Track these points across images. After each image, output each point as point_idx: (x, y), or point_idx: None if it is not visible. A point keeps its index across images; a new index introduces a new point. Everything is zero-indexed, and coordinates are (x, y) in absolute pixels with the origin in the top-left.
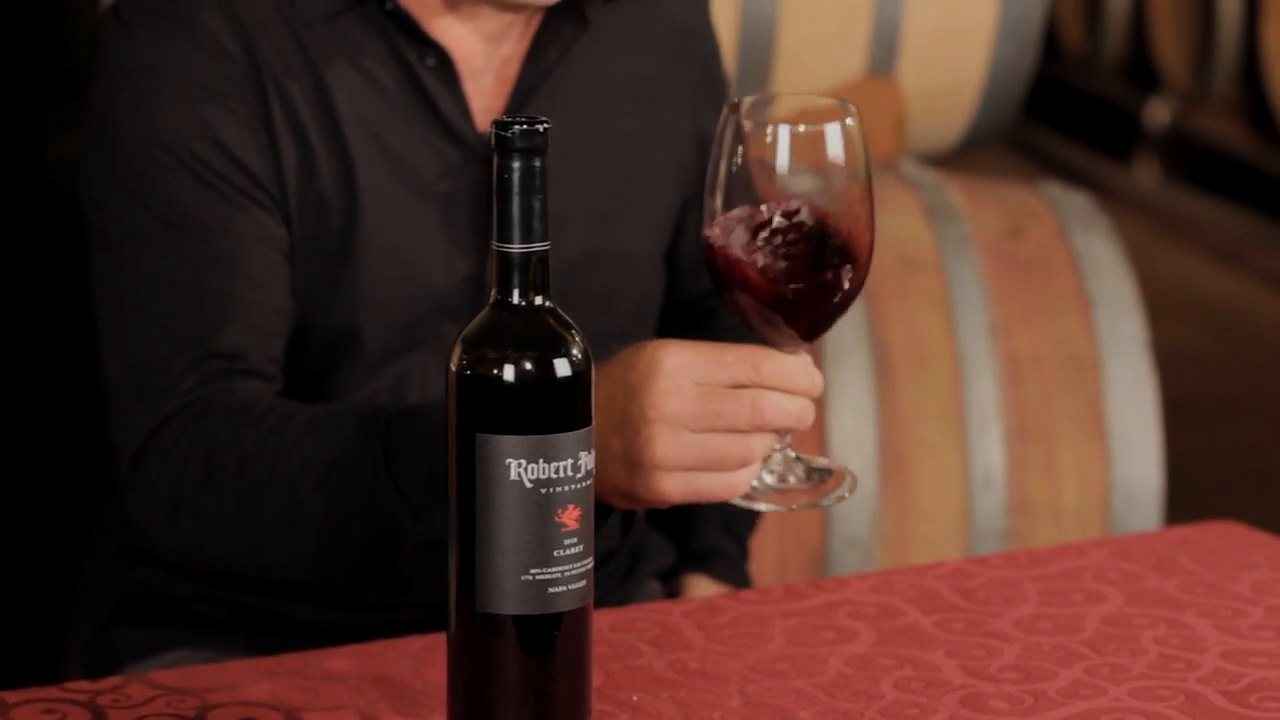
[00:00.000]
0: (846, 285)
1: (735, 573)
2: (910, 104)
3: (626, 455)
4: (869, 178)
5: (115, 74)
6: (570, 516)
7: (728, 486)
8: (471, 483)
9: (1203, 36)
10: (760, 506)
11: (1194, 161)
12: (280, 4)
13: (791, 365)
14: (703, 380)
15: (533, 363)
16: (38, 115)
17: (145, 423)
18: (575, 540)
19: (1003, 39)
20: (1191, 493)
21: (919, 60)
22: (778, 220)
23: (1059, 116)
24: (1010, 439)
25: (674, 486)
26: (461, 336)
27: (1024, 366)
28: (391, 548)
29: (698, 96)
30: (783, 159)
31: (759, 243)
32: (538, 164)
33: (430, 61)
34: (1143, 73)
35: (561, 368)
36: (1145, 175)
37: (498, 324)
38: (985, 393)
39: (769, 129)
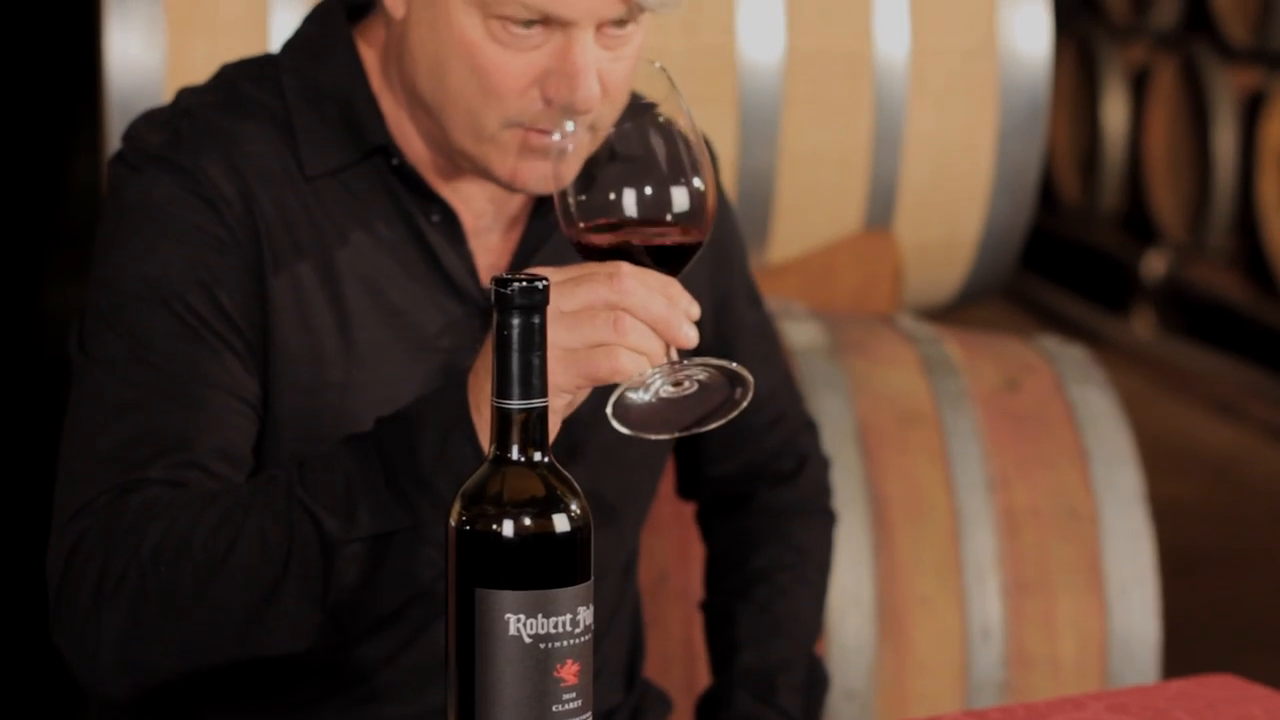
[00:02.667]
0: (694, 238)
1: None
2: (907, 258)
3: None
4: (697, 136)
5: (114, 215)
6: (569, 671)
7: (611, 366)
8: (471, 638)
9: (1199, 189)
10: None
11: (1191, 313)
12: (285, 157)
13: (649, 277)
14: (559, 309)
15: (531, 519)
16: (38, 268)
17: (65, 546)
18: (574, 695)
19: (999, 194)
20: (1189, 645)
21: (916, 214)
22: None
23: (1056, 269)
24: (1008, 592)
25: (560, 370)
26: (461, 492)
27: (1021, 519)
28: (326, 569)
29: (708, 255)
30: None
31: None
32: (536, 321)
33: (435, 218)
34: (1139, 225)
35: (560, 523)
36: (1142, 327)
37: (497, 480)
38: (983, 545)
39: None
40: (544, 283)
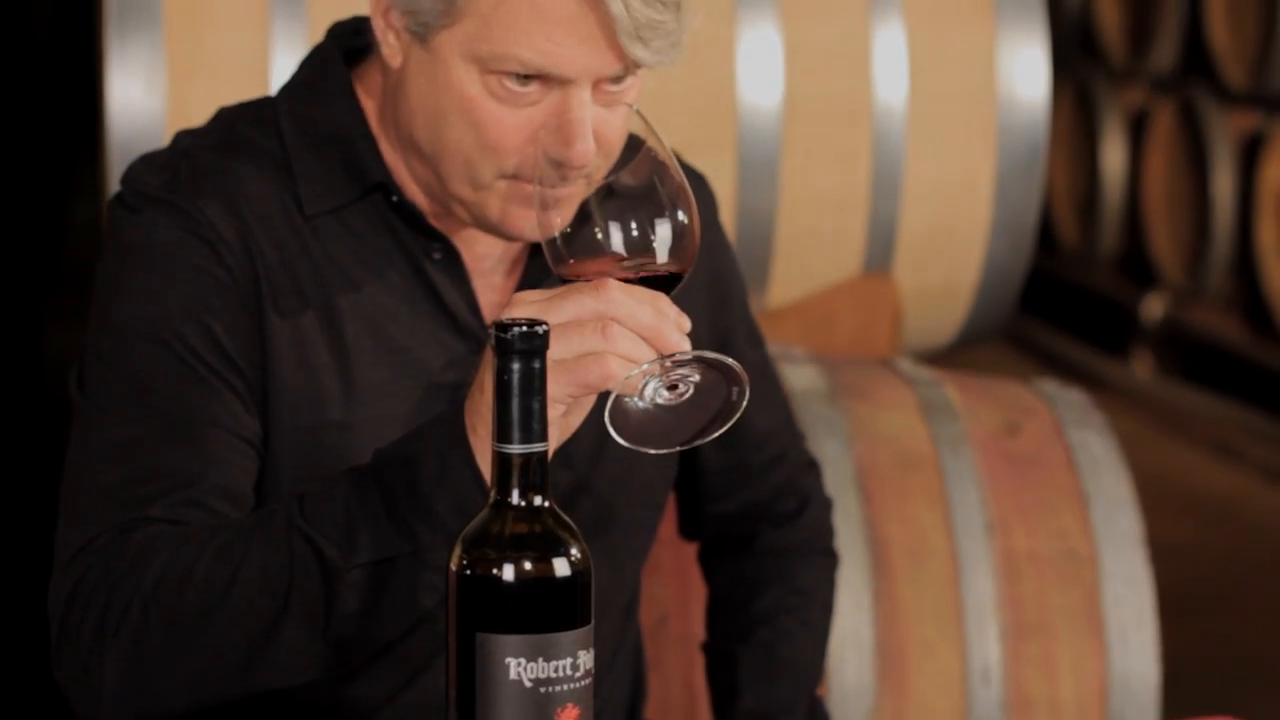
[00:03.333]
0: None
1: None
2: (906, 301)
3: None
4: (666, 152)
5: (114, 256)
6: (570, 715)
7: (600, 364)
8: (471, 681)
9: (1197, 232)
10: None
11: (1190, 356)
12: (283, 197)
13: (636, 290)
14: (554, 322)
15: (532, 563)
16: (39, 310)
17: (67, 584)
18: None
19: (997, 237)
20: (1189, 687)
21: (915, 258)
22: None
23: (1055, 311)
24: (1007, 635)
25: (552, 381)
26: (461, 536)
27: (1021, 562)
28: (328, 598)
29: (707, 294)
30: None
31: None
32: (536, 365)
33: (437, 255)
34: (1138, 268)
35: (560, 568)
36: (1142, 369)
37: (497, 524)
38: (982, 589)
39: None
40: (544, 328)
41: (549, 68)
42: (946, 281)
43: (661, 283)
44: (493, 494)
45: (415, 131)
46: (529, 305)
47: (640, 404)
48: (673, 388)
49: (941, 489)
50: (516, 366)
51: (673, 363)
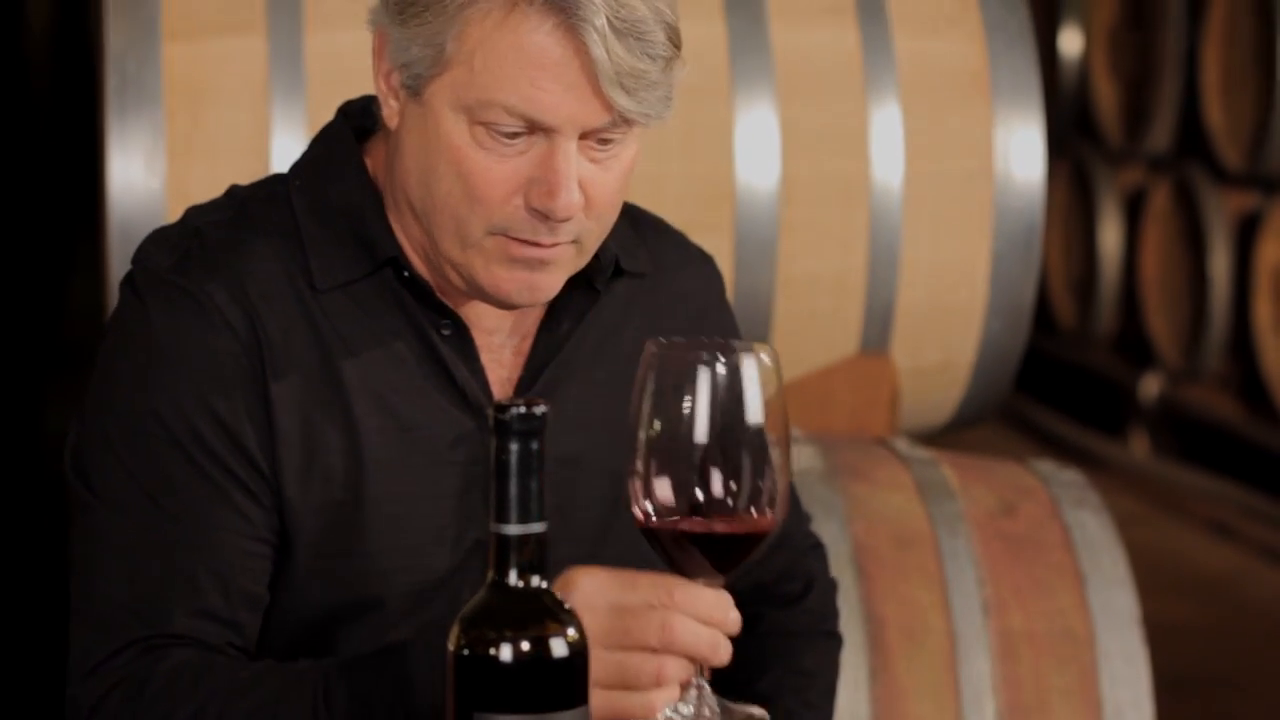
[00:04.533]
0: (764, 527)
1: None
2: (904, 381)
3: None
4: (785, 422)
5: (121, 343)
6: None
7: (645, 705)
8: None
9: (1194, 311)
10: None
11: (1187, 435)
12: (294, 272)
13: (705, 594)
14: (616, 601)
15: (530, 643)
16: (37, 390)
17: (88, 698)
18: None
19: (994, 317)
20: None
21: (912, 338)
22: (700, 474)
23: (1051, 391)
24: (1005, 715)
25: (592, 704)
26: (459, 617)
27: (1017, 642)
28: None
29: None
30: (703, 400)
31: (682, 490)
32: (535, 446)
33: (446, 331)
34: (1134, 347)
35: (558, 648)
36: (1139, 448)
37: (495, 605)
38: (979, 669)
39: (690, 370)
40: (541, 409)
41: (533, 113)
42: (944, 361)
43: (739, 540)
44: (491, 574)
45: (409, 190)
46: (600, 576)
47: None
48: (698, 712)
49: (939, 569)
50: (515, 447)
51: (710, 713)
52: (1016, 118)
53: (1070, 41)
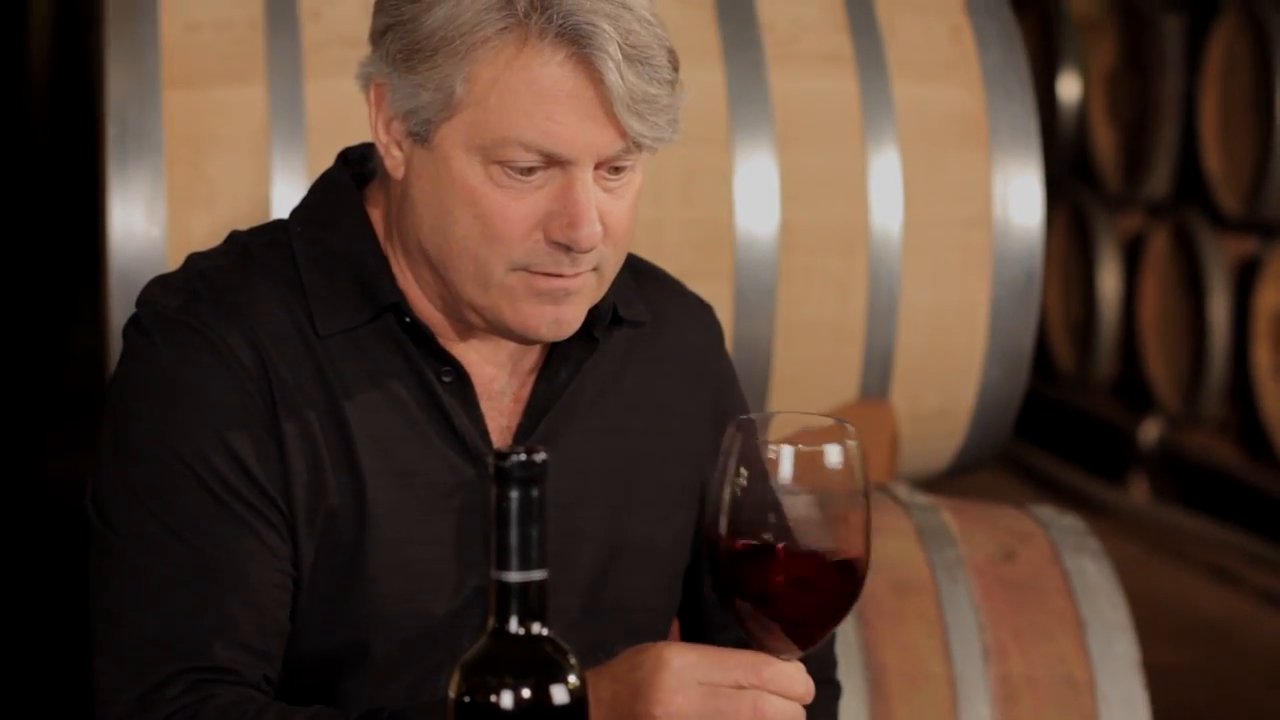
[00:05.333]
0: (844, 601)
1: None
2: (903, 427)
3: None
4: (868, 495)
5: (134, 384)
6: None
7: None
8: None
9: (1193, 356)
10: None
11: (1186, 480)
12: (299, 319)
13: (790, 671)
14: (706, 680)
15: (530, 690)
16: (41, 435)
17: None
18: None
19: (993, 363)
20: None
21: (911, 384)
22: (784, 548)
23: (1051, 436)
24: None
25: None
26: (460, 664)
27: (1018, 688)
28: None
29: (713, 427)
30: (785, 478)
31: (766, 568)
32: (535, 494)
33: (448, 378)
34: (1134, 392)
35: (559, 695)
36: (1138, 494)
37: (496, 652)
38: (979, 715)
39: (773, 449)
40: (542, 456)
41: (551, 147)
42: (943, 407)
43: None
44: (492, 621)
45: (422, 237)
46: (690, 654)
47: None
48: None
49: (938, 615)
50: (515, 495)
51: None
52: (1015, 164)
53: (1069, 87)
